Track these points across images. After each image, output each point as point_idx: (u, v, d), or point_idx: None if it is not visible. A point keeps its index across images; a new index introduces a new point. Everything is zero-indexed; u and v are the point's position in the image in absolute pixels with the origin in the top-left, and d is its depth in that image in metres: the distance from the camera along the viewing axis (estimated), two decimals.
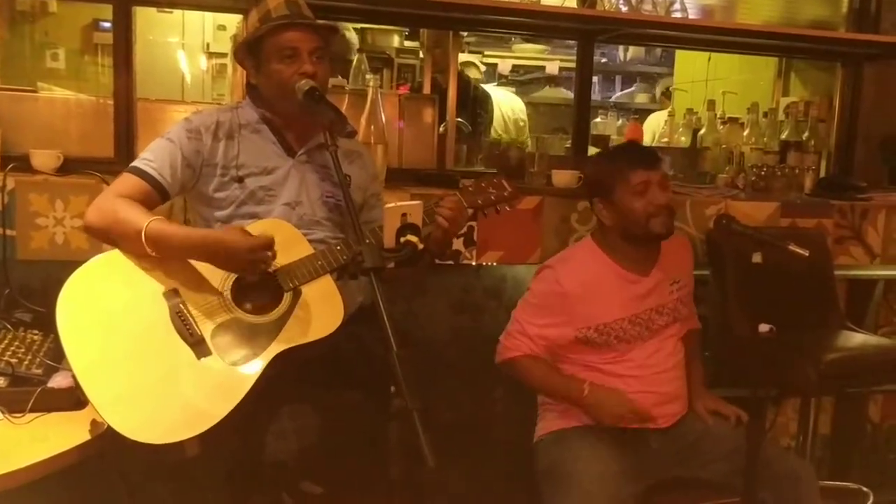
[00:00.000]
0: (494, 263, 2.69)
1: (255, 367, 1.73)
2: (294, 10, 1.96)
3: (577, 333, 2.19)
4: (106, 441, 1.76)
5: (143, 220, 1.78)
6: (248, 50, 2.00)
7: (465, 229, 2.60)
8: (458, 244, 2.62)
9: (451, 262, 2.61)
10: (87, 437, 1.73)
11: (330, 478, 1.96)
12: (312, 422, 1.82)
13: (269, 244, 1.75)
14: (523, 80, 5.84)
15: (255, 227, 1.91)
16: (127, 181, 1.90)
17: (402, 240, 1.76)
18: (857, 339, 2.65)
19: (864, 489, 2.89)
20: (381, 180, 2.56)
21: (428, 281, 2.82)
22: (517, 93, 5.64)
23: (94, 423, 1.78)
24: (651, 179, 2.16)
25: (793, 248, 2.07)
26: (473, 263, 2.65)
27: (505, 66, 5.51)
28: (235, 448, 1.87)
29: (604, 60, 5.85)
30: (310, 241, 1.94)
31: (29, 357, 1.93)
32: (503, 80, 5.74)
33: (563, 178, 2.75)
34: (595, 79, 6.18)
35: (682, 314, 2.30)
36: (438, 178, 2.76)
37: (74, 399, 1.84)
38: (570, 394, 2.18)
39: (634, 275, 2.23)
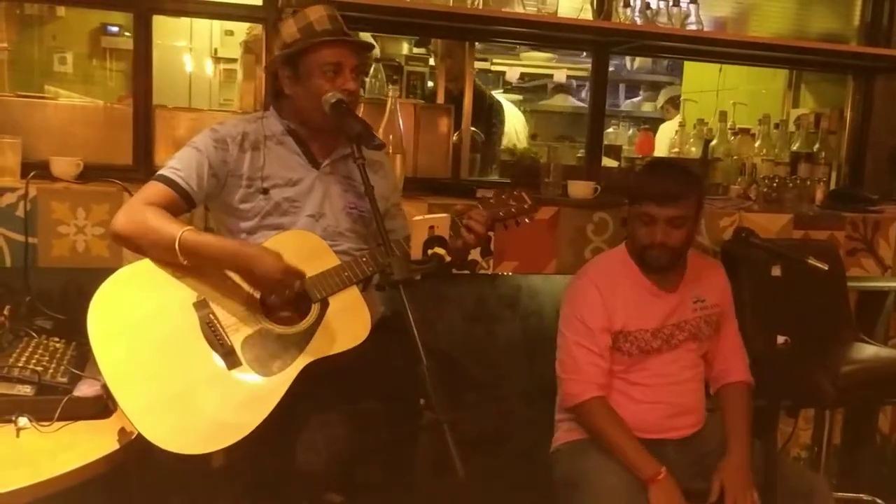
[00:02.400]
0: (510, 273, 2.70)
1: (285, 379, 1.74)
2: (336, 26, 1.97)
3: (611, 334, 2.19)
4: (132, 449, 1.77)
5: (177, 230, 1.79)
6: (286, 60, 2.00)
7: None
8: (474, 254, 2.63)
9: (467, 271, 2.63)
10: (115, 446, 1.75)
11: (354, 487, 1.98)
12: (338, 431, 1.82)
13: (300, 274, 1.78)
14: (529, 88, 5.86)
15: (283, 238, 1.93)
16: (153, 189, 1.91)
17: (430, 252, 1.78)
18: (869, 350, 2.67)
19: (879, 501, 2.91)
20: (400, 189, 2.57)
21: (443, 290, 2.84)
22: (524, 101, 5.68)
23: (121, 431, 1.79)
24: (657, 216, 2.13)
25: (812, 262, 2.08)
26: (490, 273, 2.66)
27: (513, 74, 5.53)
28: (262, 459, 1.87)
29: (611, 69, 5.85)
30: (335, 252, 1.95)
31: (53, 365, 1.94)
32: (510, 88, 5.77)
33: (580, 188, 2.76)
34: None
35: (704, 333, 2.27)
36: (454, 188, 2.77)
37: (101, 407, 1.86)
38: (642, 466, 2.05)
39: (660, 289, 2.23)
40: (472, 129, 3.23)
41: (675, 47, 3.21)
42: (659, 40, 2.97)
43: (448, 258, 1.79)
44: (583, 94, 5.49)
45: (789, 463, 2.34)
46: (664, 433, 2.21)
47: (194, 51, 5.16)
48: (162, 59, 4.90)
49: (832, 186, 3.40)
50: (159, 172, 1.94)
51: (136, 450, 1.76)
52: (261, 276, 1.77)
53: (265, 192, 1.98)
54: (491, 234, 2.60)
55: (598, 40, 2.96)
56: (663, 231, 2.13)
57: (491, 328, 2.88)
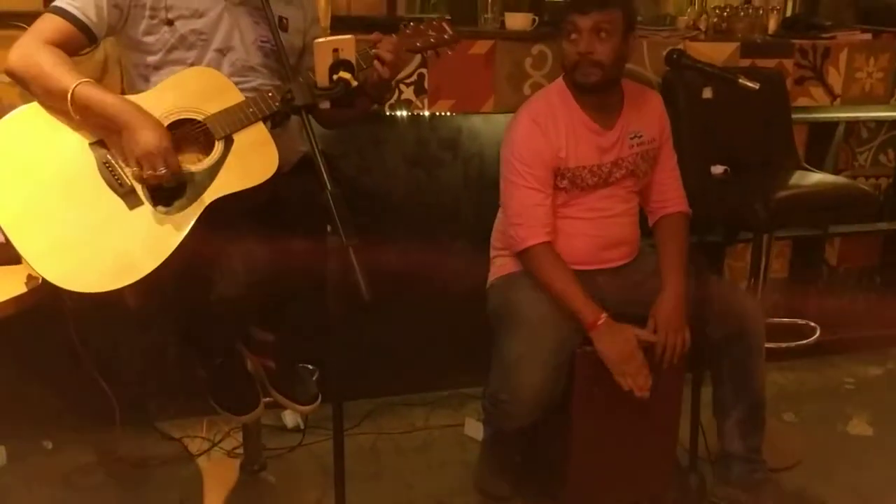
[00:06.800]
0: (447, 112, 2.62)
1: (189, 216, 1.68)
2: None
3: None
4: (48, 294, 1.75)
5: (71, 82, 1.68)
6: None
7: (414, 77, 2.53)
8: (408, 92, 2.55)
9: (402, 111, 2.55)
10: (22, 289, 1.73)
11: (276, 321, 1.98)
12: (258, 257, 1.78)
13: (171, 162, 1.67)
14: None
15: (185, 75, 1.83)
16: (49, 23, 1.78)
17: (335, 77, 1.69)
18: (812, 178, 2.64)
19: (812, 324, 2.96)
20: (325, 26, 2.46)
21: (382, 133, 2.76)
22: None
23: (29, 276, 1.77)
24: (581, 25, 2.01)
25: (742, 80, 2.02)
26: (425, 112, 2.58)
27: None
28: (183, 296, 1.86)
29: None
30: (244, 88, 1.86)
31: None
32: None
33: (517, 20, 2.65)
34: None
35: (640, 169, 2.21)
36: (386, 25, 2.63)
37: (9, 254, 1.82)
38: (583, 313, 2.04)
39: (599, 126, 2.15)
40: None
41: None
42: None
43: (354, 83, 1.70)
44: None
45: (724, 285, 2.33)
46: (595, 265, 2.20)
47: None
48: None
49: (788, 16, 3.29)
50: (54, 3, 1.82)
51: (55, 294, 1.74)
52: (132, 145, 1.66)
53: (170, 23, 1.86)
54: (424, 71, 2.53)
55: None
56: (587, 41, 2.01)
57: (432, 171, 2.83)
